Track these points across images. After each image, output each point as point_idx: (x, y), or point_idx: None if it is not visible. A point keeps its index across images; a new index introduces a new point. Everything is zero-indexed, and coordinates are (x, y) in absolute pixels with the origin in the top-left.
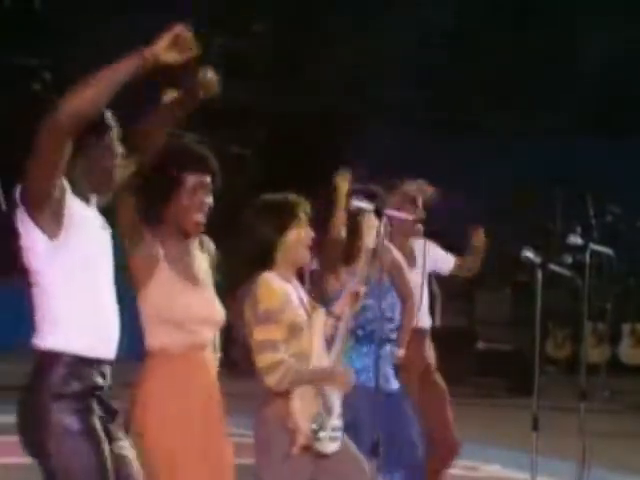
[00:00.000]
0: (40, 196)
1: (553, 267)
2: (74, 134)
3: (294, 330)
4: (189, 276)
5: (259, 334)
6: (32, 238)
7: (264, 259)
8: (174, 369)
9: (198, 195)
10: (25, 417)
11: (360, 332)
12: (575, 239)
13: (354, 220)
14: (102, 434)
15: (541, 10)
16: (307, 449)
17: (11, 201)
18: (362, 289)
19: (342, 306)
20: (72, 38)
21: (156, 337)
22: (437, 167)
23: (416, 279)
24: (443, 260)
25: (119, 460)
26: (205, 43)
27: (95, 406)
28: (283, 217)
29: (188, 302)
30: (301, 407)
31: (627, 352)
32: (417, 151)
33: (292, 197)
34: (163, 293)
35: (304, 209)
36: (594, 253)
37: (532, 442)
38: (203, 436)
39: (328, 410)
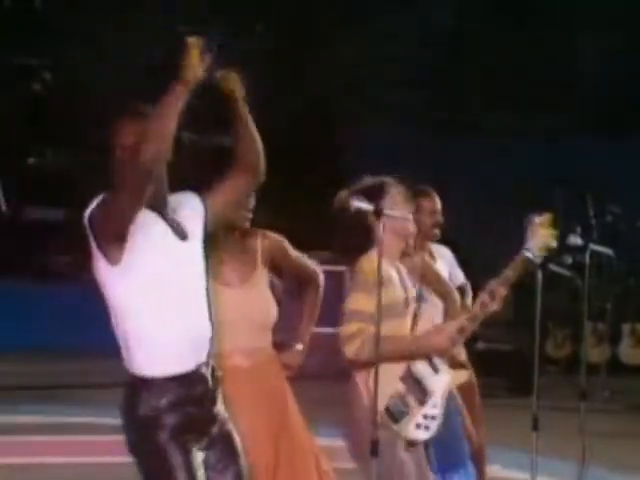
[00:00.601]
0: (115, 230)
1: (553, 267)
2: (155, 171)
3: (392, 310)
4: (229, 275)
5: (350, 303)
6: (96, 261)
7: (370, 242)
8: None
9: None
10: (126, 426)
11: None
12: (575, 239)
13: (358, 217)
14: (192, 447)
15: (541, 10)
16: (385, 429)
17: (11, 204)
18: (504, 292)
19: (477, 307)
20: (72, 38)
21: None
22: (437, 167)
23: None
24: (457, 271)
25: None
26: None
27: (187, 420)
28: (377, 197)
29: (223, 304)
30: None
31: (627, 352)
32: (417, 151)
33: (378, 179)
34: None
35: (395, 186)
36: (594, 253)
37: (532, 442)
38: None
39: (422, 396)
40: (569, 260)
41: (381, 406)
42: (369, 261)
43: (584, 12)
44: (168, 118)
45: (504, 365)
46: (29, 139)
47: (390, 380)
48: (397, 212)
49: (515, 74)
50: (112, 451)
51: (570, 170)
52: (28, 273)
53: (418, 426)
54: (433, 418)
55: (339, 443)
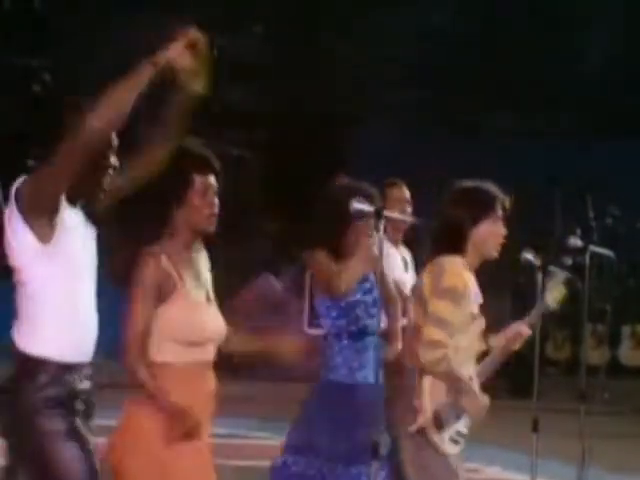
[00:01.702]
0: (46, 203)
1: (553, 269)
2: (97, 147)
3: (467, 322)
4: (200, 291)
5: (436, 307)
6: (22, 239)
7: (455, 245)
8: (177, 385)
9: (208, 195)
10: (11, 421)
11: (353, 328)
12: (575, 241)
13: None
14: (85, 435)
15: (541, 10)
16: (422, 431)
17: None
18: (528, 331)
19: (503, 338)
20: (72, 39)
21: (163, 353)
22: (437, 167)
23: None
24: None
25: None
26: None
27: (78, 408)
28: (479, 207)
29: (203, 321)
30: (431, 389)
31: (627, 354)
32: (416, 151)
33: (492, 188)
34: (179, 312)
35: (502, 203)
36: (594, 255)
37: (532, 444)
38: (197, 453)
39: (460, 412)
40: (569, 262)
41: (430, 408)
42: (455, 266)
43: (584, 12)
44: (126, 92)
45: (504, 366)
46: (28, 140)
47: (442, 389)
48: (397, 214)
49: (515, 74)
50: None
51: (570, 171)
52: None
53: (451, 439)
54: (462, 435)
55: None
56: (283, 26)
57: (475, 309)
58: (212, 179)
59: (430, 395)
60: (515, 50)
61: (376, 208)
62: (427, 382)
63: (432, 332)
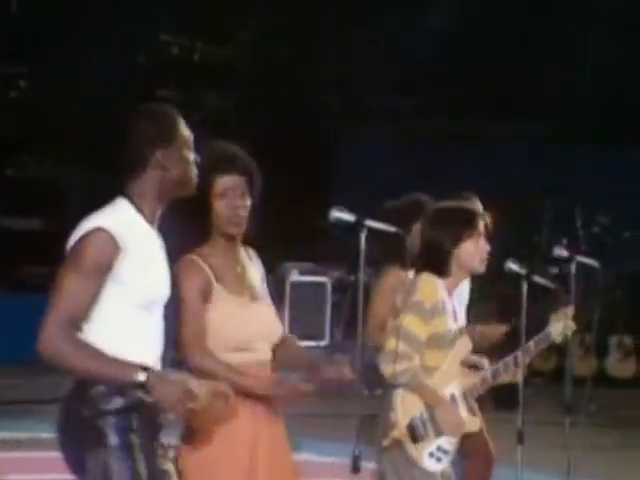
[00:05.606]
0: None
1: (538, 279)
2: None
3: (440, 340)
4: (244, 291)
5: (402, 320)
6: None
7: (437, 266)
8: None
9: (229, 198)
10: (66, 432)
11: None
12: (560, 251)
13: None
14: (140, 451)
15: (538, 15)
16: (399, 445)
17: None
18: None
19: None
20: (50, 43)
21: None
22: (436, 169)
23: None
24: None
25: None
26: (190, 51)
27: (136, 423)
28: (460, 227)
29: (246, 323)
30: (402, 403)
31: (614, 365)
32: (415, 155)
33: (471, 206)
34: (219, 319)
35: (483, 219)
36: (580, 265)
37: (517, 456)
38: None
39: (437, 429)
40: (554, 271)
41: (404, 421)
42: (427, 284)
43: (574, 28)
44: (92, 372)
45: None
46: (9, 148)
47: (416, 402)
48: (380, 225)
49: (514, 81)
50: None
51: (558, 180)
52: (4, 284)
53: (431, 455)
54: (445, 452)
55: (320, 459)
56: (282, 27)
57: (452, 328)
58: (237, 180)
59: (404, 408)
60: (515, 57)
61: (357, 217)
62: (399, 395)
63: (393, 343)
